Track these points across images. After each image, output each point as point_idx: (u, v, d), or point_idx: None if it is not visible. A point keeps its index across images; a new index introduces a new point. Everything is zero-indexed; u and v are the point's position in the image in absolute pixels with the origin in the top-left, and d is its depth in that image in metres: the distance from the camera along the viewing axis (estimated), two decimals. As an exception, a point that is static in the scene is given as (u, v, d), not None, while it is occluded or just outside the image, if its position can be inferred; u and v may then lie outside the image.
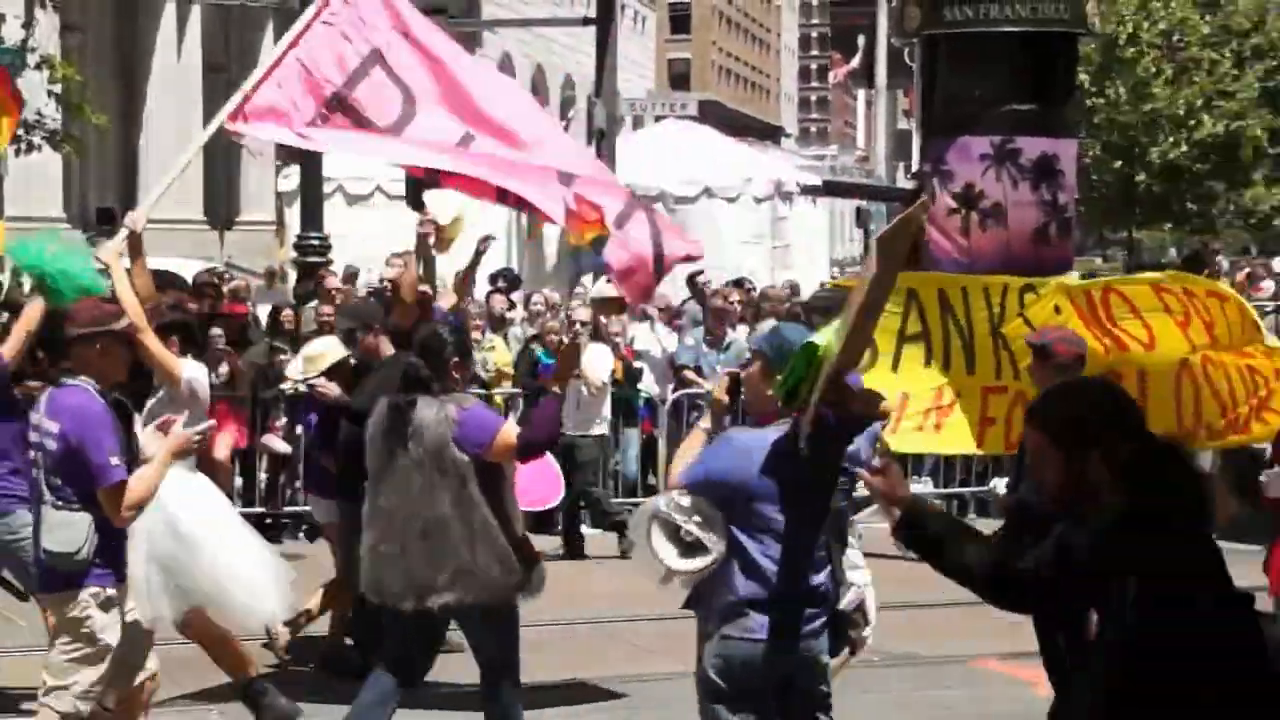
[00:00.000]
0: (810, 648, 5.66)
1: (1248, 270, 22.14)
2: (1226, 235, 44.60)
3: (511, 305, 15.70)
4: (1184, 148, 37.03)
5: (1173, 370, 9.26)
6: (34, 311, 7.65)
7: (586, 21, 22.89)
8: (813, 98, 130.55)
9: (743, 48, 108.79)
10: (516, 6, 44.80)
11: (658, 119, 43.09)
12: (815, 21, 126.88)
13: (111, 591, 6.30)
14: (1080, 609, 4.35)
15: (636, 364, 14.25)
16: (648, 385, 14.31)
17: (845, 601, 6.27)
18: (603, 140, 19.56)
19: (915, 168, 22.60)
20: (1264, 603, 8.00)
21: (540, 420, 7.06)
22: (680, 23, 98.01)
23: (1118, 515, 4.01)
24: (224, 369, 12.71)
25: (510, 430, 6.89)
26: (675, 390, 14.17)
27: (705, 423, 5.93)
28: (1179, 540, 3.99)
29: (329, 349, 9.43)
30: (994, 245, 14.66)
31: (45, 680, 6.33)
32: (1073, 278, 9.83)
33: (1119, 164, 37.53)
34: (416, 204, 10.48)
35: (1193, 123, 36.59)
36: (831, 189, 23.51)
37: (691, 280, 17.53)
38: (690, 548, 5.58)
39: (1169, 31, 37.59)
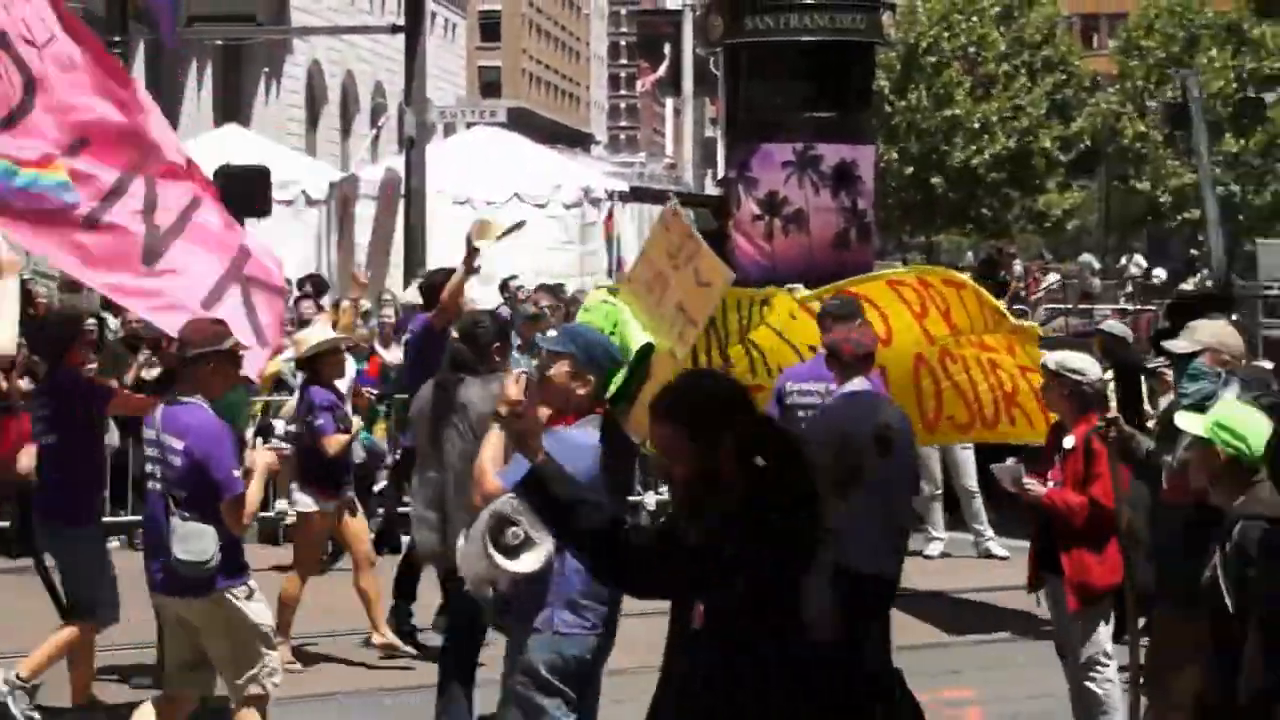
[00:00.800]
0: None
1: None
2: (1021, 239, 45.77)
3: (320, 309, 15.61)
4: (983, 155, 37.95)
5: (910, 365, 9.56)
6: None
7: (395, 29, 22.78)
8: (622, 105, 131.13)
9: (553, 55, 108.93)
10: (325, 14, 44.39)
11: (468, 126, 43.01)
12: (623, 30, 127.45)
13: (252, 583, 6.88)
14: (683, 595, 4.32)
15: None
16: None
17: None
18: (413, 148, 19.53)
19: (721, 174, 22.88)
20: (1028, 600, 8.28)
21: None
22: (490, 30, 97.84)
23: (736, 502, 4.06)
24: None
25: None
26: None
27: (502, 421, 5.85)
28: (789, 531, 4.06)
29: (312, 335, 9.89)
30: (796, 251, 14.90)
31: (230, 679, 6.88)
32: (801, 289, 10.05)
33: (915, 170, 38.33)
34: None
35: (988, 136, 37.56)
36: (639, 195, 23.68)
37: (504, 286, 17.58)
38: (515, 549, 5.61)
39: (969, 45, 38.52)
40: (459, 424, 7.50)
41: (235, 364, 7.07)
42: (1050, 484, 7.56)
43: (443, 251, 18.63)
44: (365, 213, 21.09)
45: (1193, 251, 39.61)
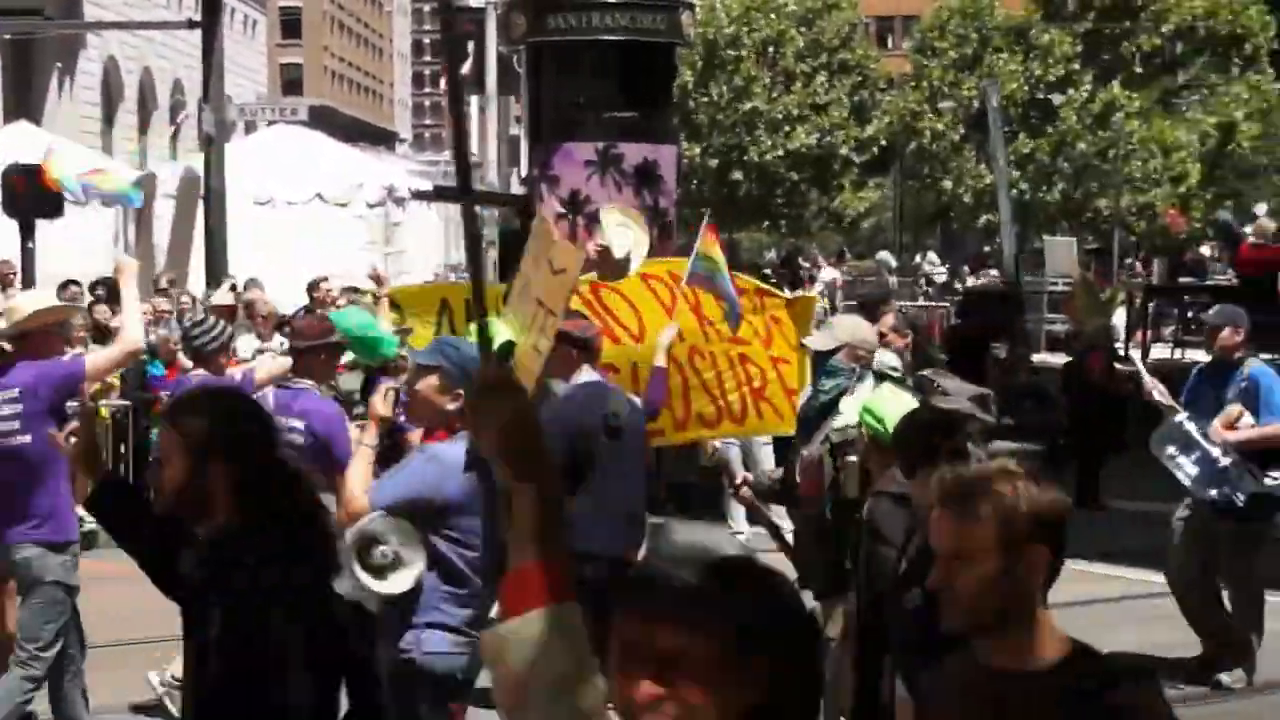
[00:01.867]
0: None
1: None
2: (820, 237, 46.40)
3: (114, 314, 15.22)
4: (780, 152, 38.39)
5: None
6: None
7: (192, 24, 22.34)
8: (426, 103, 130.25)
9: (355, 53, 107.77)
10: (119, 8, 43.31)
11: (269, 124, 42.36)
12: (427, 27, 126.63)
13: None
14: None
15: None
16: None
17: None
18: (211, 146, 19.13)
19: (525, 173, 22.81)
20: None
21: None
22: (291, 27, 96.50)
23: (226, 529, 4.07)
24: None
25: None
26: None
27: (369, 439, 5.79)
28: (275, 561, 4.06)
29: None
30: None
31: None
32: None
33: (717, 165, 38.63)
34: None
35: (788, 129, 38.01)
36: (443, 194, 23.53)
37: (312, 288, 17.27)
38: (383, 570, 5.44)
39: (767, 41, 38.95)
40: None
41: (338, 354, 8.07)
42: None
43: (244, 253, 18.32)
44: (164, 212, 20.62)
45: (985, 249, 40.57)
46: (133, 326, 7.28)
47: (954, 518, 3.16)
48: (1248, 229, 20.82)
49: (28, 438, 7.01)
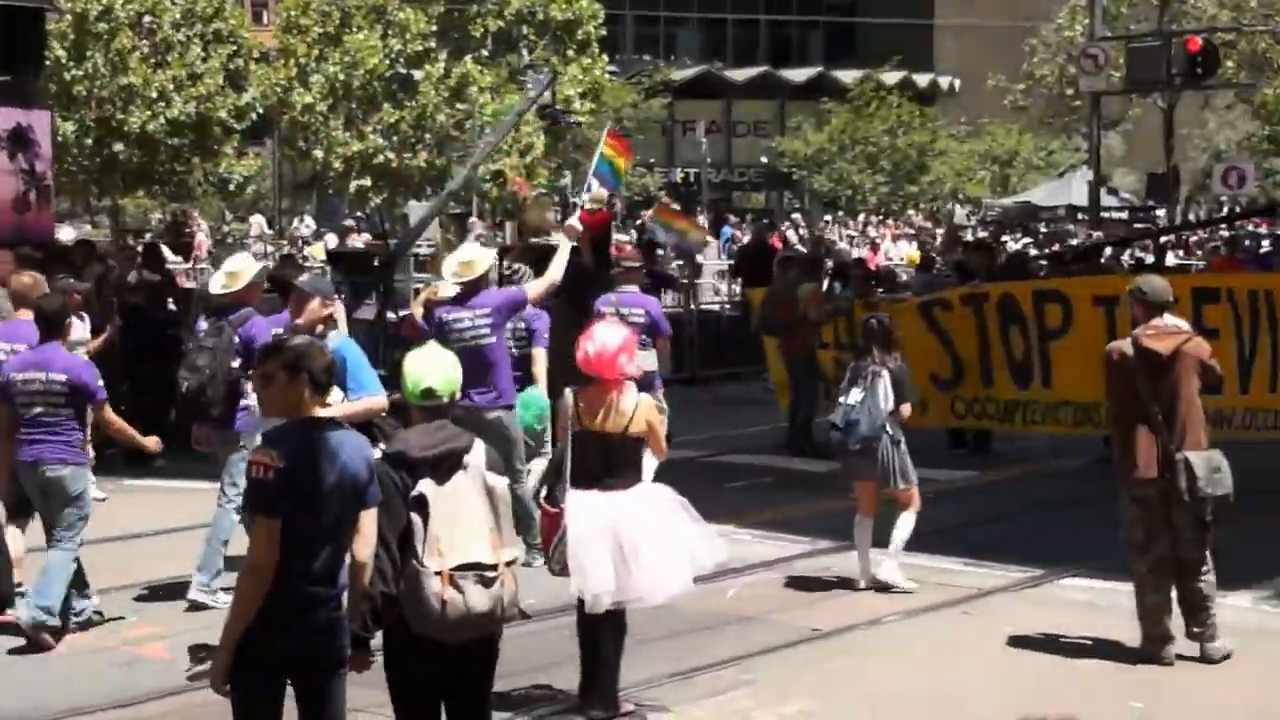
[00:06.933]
0: None
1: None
2: (204, 202, 46.44)
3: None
4: (161, 121, 38.30)
5: None
6: None
7: None
8: None
9: None
10: None
11: None
12: None
13: None
14: None
15: None
16: None
17: None
18: None
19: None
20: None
21: None
22: None
23: None
24: None
25: None
26: None
27: None
28: None
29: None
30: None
31: None
32: None
33: (94, 138, 38.07)
34: None
35: (164, 103, 37.93)
36: None
37: None
38: None
39: (143, 12, 38.64)
40: None
41: None
42: None
43: None
44: None
45: (358, 214, 41.90)
46: None
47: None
48: (585, 196, 22.85)
49: None
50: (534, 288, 11.34)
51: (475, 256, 11.36)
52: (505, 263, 13.80)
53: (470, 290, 11.03)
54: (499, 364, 11.01)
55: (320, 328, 9.31)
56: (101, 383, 9.71)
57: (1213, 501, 8.90)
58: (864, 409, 10.70)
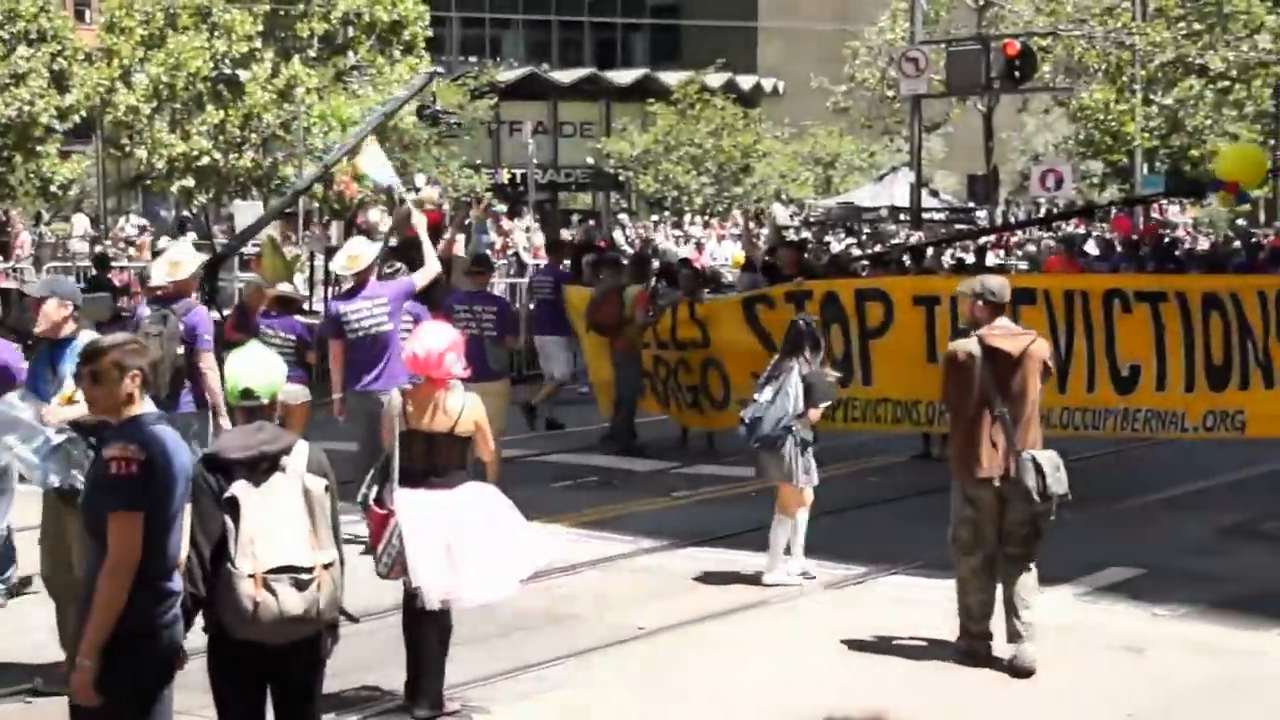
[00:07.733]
0: None
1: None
2: (25, 202, 45.39)
3: None
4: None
5: None
6: None
7: None
8: None
9: None
10: None
11: None
12: None
13: None
14: None
15: None
16: None
17: None
18: None
19: None
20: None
21: None
22: None
23: None
24: None
25: None
26: None
27: None
28: None
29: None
30: None
31: None
32: None
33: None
34: None
35: (-11, 104, 37.06)
36: None
37: None
38: None
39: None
40: None
41: None
42: None
43: None
44: None
45: (185, 214, 41.23)
46: None
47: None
48: (412, 197, 22.80)
49: None
50: (421, 276, 12.35)
51: (360, 250, 12.37)
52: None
53: (361, 282, 12.08)
54: (392, 348, 11.70)
55: (70, 328, 8.75)
56: None
57: (1056, 499, 9.07)
58: (768, 408, 10.81)
